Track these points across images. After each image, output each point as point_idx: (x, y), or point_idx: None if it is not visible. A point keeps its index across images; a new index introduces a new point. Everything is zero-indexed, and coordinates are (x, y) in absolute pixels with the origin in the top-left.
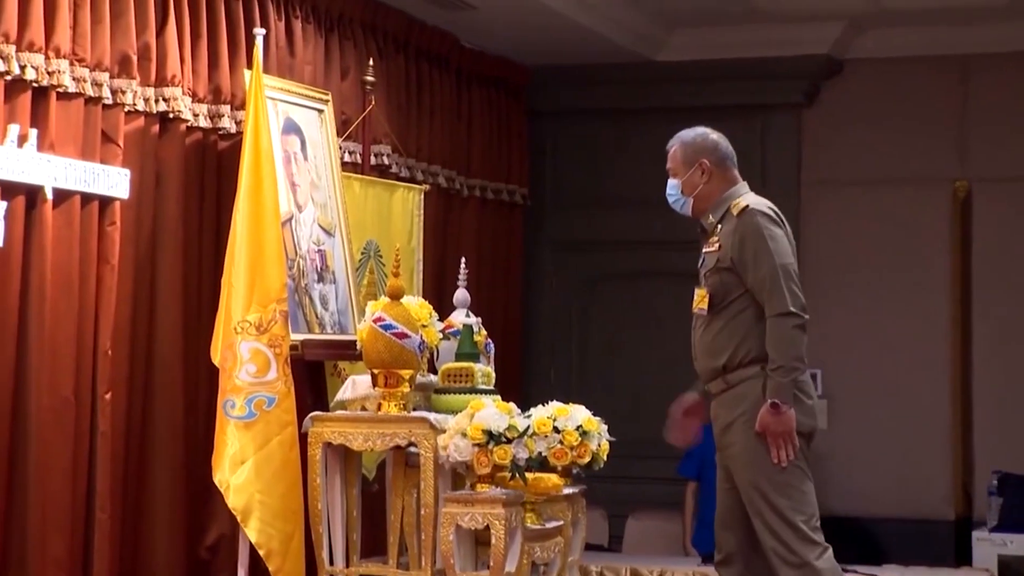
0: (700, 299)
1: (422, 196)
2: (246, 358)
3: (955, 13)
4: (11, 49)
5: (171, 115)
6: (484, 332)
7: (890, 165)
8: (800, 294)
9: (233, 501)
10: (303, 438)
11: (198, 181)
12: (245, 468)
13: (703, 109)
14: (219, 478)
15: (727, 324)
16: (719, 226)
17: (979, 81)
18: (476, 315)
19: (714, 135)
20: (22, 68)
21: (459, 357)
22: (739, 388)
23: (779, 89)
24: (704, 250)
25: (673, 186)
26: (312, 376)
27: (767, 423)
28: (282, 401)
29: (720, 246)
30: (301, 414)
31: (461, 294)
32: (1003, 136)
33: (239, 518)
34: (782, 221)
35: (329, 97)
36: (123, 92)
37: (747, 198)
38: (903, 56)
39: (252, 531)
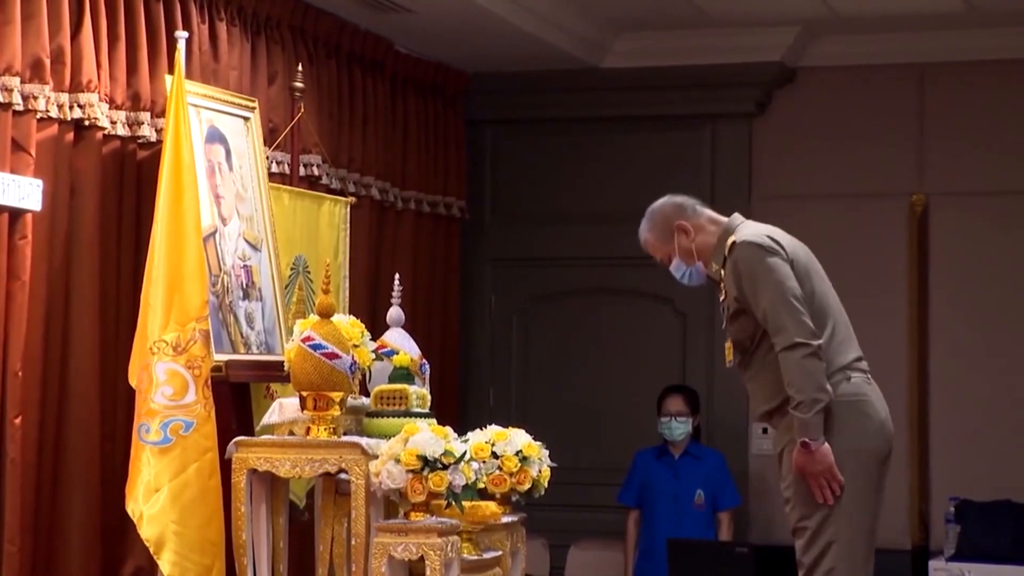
0: (727, 352)
1: (348, 209)
2: (162, 380)
3: (912, 20)
4: None
5: (87, 122)
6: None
7: (844, 178)
8: (806, 320)
9: (146, 532)
10: (226, 464)
11: (116, 193)
12: (159, 497)
13: (650, 118)
14: (131, 507)
15: (766, 364)
16: (722, 271)
17: (936, 91)
18: (411, 334)
19: (670, 198)
20: None
21: None
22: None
23: (729, 98)
24: (720, 300)
25: (675, 267)
26: (237, 399)
27: (801, 465)
28: (201, 426)
29: (726, 292)
30: (225, 439)
31: (395, 312)
32: (961, 148)
33: (152, 550)
34: (779, 246)
35: (256, 104)
36: (35, 98)
37: (739, 231)
38: (858, 64)
39: (166, 563)
